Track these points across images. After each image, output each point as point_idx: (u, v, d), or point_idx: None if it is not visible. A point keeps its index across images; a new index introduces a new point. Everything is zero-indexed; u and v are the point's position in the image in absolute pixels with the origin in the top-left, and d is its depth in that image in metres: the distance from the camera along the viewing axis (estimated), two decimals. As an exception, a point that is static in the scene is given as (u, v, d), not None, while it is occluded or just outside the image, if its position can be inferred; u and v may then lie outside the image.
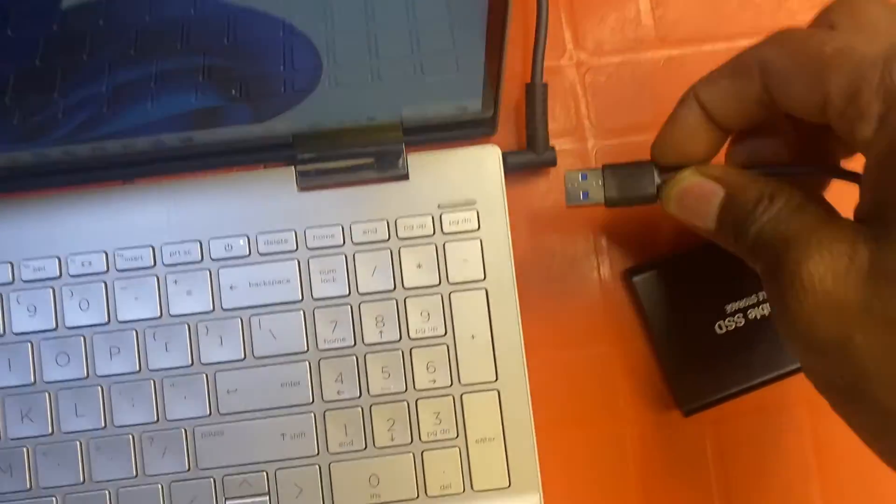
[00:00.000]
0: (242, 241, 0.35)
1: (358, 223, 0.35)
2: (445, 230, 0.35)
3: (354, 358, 0.34)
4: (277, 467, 0.34)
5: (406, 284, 0.35)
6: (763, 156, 0.29)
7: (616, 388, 0.37)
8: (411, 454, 0.34)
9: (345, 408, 0.34)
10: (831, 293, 0.23)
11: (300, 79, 0.31)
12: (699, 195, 0.28)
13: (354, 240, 0.35)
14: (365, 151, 0.35)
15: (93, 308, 0.35)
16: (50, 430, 0.34)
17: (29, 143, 0.33)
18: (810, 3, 0.38)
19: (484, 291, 0.35)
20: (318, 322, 0.35)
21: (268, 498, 0.34)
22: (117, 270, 0.35)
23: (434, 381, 0.34)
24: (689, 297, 0.35)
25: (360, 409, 0.34)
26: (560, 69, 0.38)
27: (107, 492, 0.34)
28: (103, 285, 0.35)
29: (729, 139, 0.30)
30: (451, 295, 0.35)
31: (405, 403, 0.34)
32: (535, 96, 0.35)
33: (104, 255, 0.35)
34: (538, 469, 0.34)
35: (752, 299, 0.35)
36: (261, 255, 0.35)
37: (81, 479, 0.34)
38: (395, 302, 0.35)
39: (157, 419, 0.34)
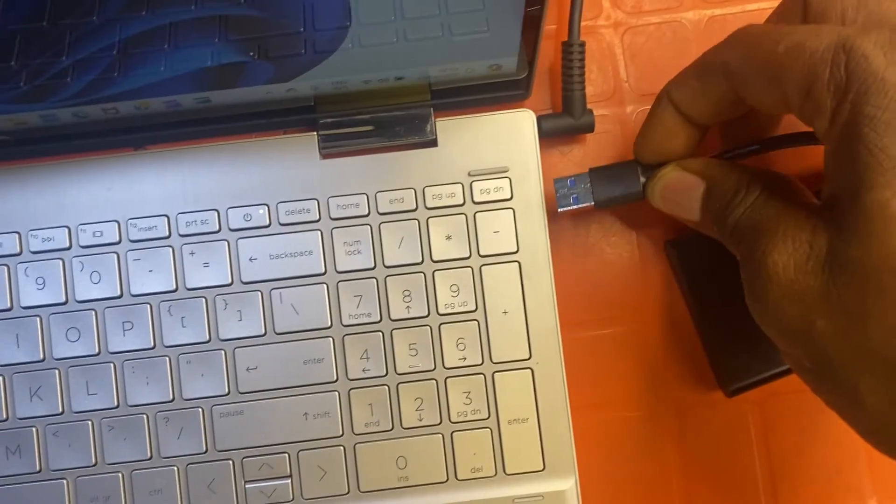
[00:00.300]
0: (262, 211, 0.34)
1: (383, 192, 0.34)
2: (476, 199, 0.34)
3: (380, 334, 0.34)
4: (300, 448, 0.33)
5: (434, 257, 0.34)
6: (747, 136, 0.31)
7: (655, 367, 0.36)
8: (440, 435, 0.33)
9: (370, 386, 0.33)
10: (794, 281, 0.25)
11: (325, 32, 0.30)
12: (681, 189, 0.30)
13: (380, 210, 0.34)
14: (391, 116, 0.34)
15: (104, 281, 0.34)
16: (60, 410, 0.33)
17: (37, 104, 0.31)
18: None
19: (517, 264, 0.34)
20: (342, 296, 0.34)
21: (290, 480, 0.33)
22: (130, 241, 0.34)
23: (464, 359, 0.34)
24: (734, 272, 0.34)
25: (386, 388, 0.33)
26: (596, 29, 0.37)
27: (120, 474, 0.33)
28: (115, 257, 0.34)
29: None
30: (482, 268, 0.34)
31: (434, 382, 0.33)
32: (572, 55, 0.34)
33: (116, 224, 0.34)
34: (574, 451, 0.33)
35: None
36: (281, 225, 0.34)
37: (93, 461, 0.33)
38: (422, 275, 0.34)
39: (173, 398, 0.33)
